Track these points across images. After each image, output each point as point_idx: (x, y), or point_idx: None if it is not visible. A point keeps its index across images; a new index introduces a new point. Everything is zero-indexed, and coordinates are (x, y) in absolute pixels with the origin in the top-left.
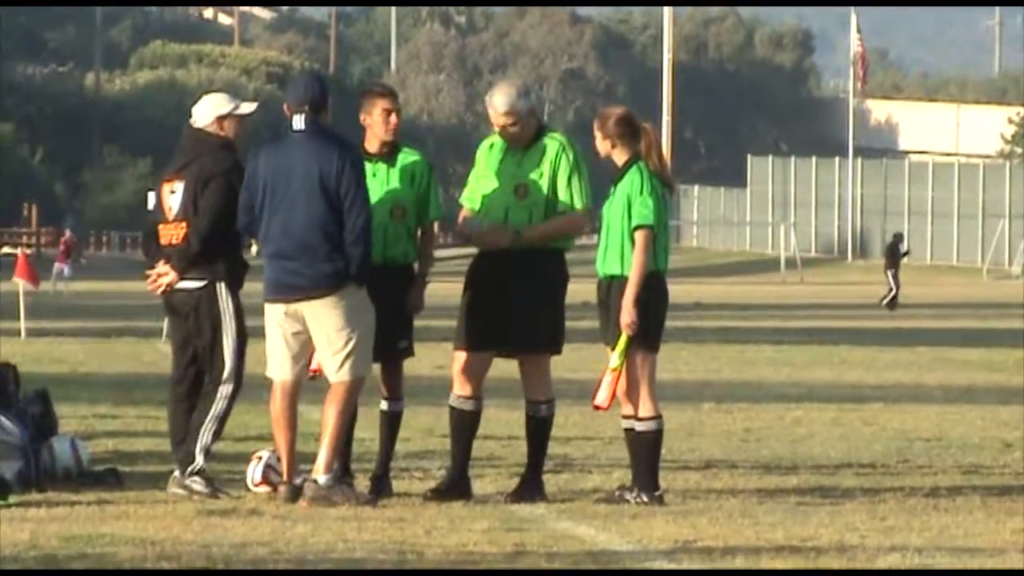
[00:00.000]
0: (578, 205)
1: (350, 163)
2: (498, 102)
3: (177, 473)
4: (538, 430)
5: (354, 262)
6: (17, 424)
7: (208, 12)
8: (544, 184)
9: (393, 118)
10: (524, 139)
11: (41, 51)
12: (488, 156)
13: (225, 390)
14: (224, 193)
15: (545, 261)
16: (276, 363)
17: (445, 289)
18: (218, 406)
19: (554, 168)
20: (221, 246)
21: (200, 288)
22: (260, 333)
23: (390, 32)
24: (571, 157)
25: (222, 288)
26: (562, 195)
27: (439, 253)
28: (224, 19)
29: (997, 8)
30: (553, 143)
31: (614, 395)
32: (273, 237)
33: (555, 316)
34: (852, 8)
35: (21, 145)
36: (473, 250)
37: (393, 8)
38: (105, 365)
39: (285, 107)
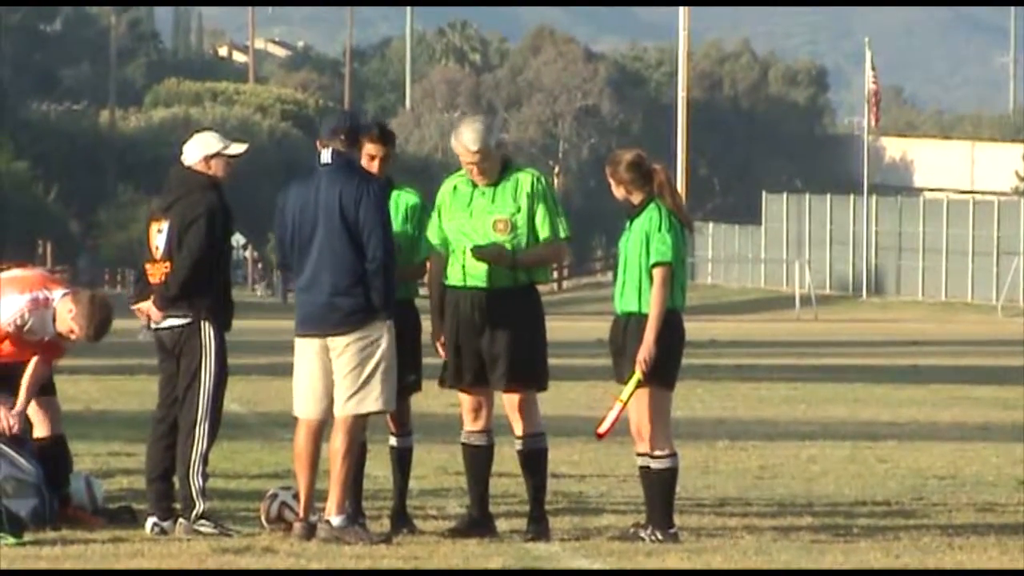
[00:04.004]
0: (562, 234)
1: (368, 192)
2: (468, 140)
3: (183, 520)
4: (527, 465)
5: (377, 293)
6: (32, 462)
7: (223, 50)
8: (524, 216)
9: (376, 164)
10: (493, 175)
11: (56, 88)
12: (454, 198)
13: (201, 430)
14: (206, 234)
15: (521, 296)
16: (301, 400)
17: None
18: (199, 446)
19: (531, 200)
20: (205, 285)
21: (184, 325)
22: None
23: (405, 69)
24: (546, 188)
25: (206, 326)
26: (545, 225)
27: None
28: (239, 57)
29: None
30: (527, 176)
31: (614, 424)
32: (301, 271)
33: (533, 351)
34: (867, 44)
35: (35, 183)
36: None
37: (408, 45)
38: (119, 402)
39: (318, 143)
